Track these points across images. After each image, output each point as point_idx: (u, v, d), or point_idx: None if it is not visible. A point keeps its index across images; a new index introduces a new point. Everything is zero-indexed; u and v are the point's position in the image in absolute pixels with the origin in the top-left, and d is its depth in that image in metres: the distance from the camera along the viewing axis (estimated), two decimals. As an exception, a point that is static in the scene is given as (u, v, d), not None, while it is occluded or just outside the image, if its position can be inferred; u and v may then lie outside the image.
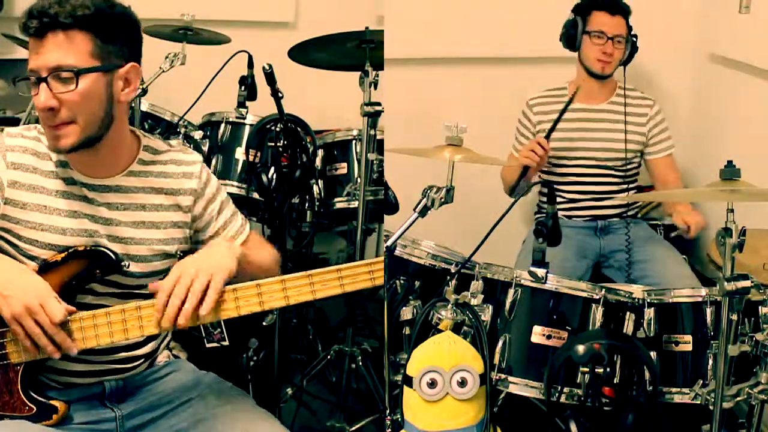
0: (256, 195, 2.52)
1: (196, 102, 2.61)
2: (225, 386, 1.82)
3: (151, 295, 1.63)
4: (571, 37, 2.76)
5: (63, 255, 1.63)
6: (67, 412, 1.63)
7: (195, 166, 1.80)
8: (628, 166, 2.82)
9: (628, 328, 2.01)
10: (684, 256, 2.75)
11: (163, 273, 1.74)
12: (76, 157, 1.65)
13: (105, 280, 1.67)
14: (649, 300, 2.02)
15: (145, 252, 1.71)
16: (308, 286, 1.64)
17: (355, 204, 2.70)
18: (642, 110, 2.82)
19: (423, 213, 2.03)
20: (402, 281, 2.11)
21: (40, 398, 1.61)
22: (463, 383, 1.81)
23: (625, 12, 2.73)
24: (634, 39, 2.74)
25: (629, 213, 2.85)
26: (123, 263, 1.67)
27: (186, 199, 1.77)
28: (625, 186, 2.82)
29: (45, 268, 1.63)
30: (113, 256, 1.66)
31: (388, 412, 2.02)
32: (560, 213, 2.82)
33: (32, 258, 1.64)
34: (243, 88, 2.61)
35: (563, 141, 2.78)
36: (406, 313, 2.08)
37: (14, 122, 2.75)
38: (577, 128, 2.79)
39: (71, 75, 1.54)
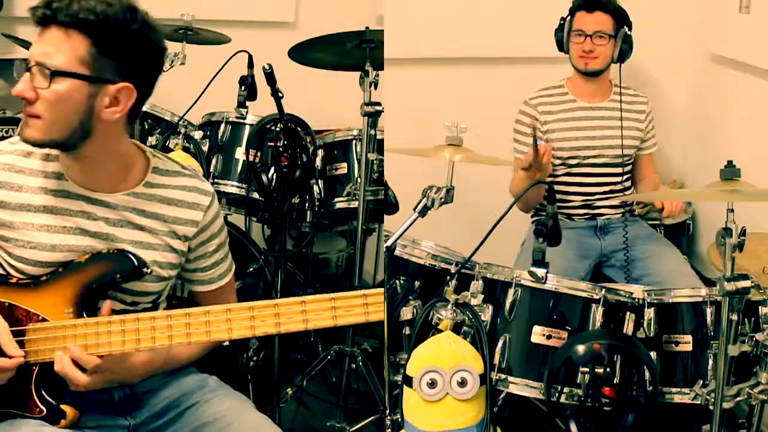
0: (256, 195, 2.51)
1: (196, 102, 2.60)
2: (226, 390, 1.81)
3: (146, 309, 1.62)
4: (559, 40, 2.82)
5: (87, 256, 1.62)
6: (77, 419, 1.62)
7: (205, 198, 1.76)
8: (626, 164, 2.83)
9: (628, 328, 2.00)
10: (684, 257, 2.75)
11: (156, 294, 1.75)
12: (72, 169, 1.63)
13: (105, 294, 1.65)
14: (649, 300, 2.02)
15: None
16: (301, 314, 1.61)
17: (355, 204, 2.69)
18: (640, 107, 2.86)
19: (423, 213, 2.03)
20: (402, 281, 2.10)
21: (51, 401, 1.60)
22: (463, 383, 1.81)
23: (604, 7, 2.73)
24: (626, 34, 2.73)
25: (627, 211, 2.86)
26: (145, 268, 1.65)
27: (186, 229, 1.73)
28: (621, 185, 2.84)
29: (69, 269, 1.62)
30: (135, 261, 1.64)
31: (388, 412, 2.02)
32: (561, 213, 2.83)
33: (24, 274, 1.63)
34: (243, 88, 2.60)
35: (568, 140, 2.78)
36: (406, 313, 2.07)
37: (14, 122, 2.75)
38: (580, 126, 2.80)
39: (48, 73, 1.52)
